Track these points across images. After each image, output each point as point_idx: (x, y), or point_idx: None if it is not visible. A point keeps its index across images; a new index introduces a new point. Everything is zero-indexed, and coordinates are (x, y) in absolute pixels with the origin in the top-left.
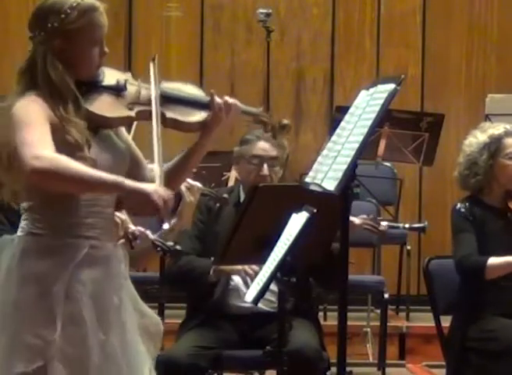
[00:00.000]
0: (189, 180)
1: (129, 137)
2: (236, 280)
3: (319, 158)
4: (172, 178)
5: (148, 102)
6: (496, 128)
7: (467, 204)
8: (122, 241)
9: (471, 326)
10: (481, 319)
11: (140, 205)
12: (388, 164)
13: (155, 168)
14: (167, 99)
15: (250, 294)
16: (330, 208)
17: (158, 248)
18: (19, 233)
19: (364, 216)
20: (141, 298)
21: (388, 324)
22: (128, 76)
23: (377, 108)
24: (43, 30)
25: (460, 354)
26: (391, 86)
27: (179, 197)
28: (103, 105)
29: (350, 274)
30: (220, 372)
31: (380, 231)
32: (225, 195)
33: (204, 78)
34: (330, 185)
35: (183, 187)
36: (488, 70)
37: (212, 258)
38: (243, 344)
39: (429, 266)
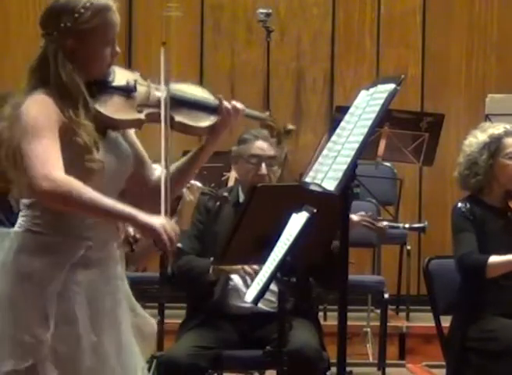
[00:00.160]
0: None
1: (135, 138)
2: (236, 279)
3: (319, 159)
4: (176, 180)
5: (158, 104)
6: (496, 128)
7: (467, 204)
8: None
9: (471, 326)
10: (481, 319)
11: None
12: (388, 164)
13: (162, 192)
14: (176, 102)
15: (250, 294)
16: (330, 208)
17: None
18: (16, 228)
19: (362, 213)
20: (141, 298)
21: (388, 324)
22: (137, 75)
23: (377, 108)
24: (55, 29)
25: (460, 354)
26: (391, 86)
27: (179, 196)
28: (113, 107)
29: (350, 274)
30: (220, 372)
31: (378, 228)
32: (225, 194)
33: (204, 78)
34: (330, 185)
35: None
36: (488, 70)
37: (211, 258)
38: (243, 344)
39: (429, 266)
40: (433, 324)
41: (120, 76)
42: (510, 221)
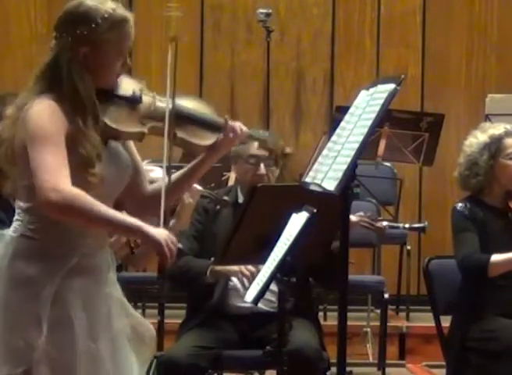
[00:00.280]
0: None
1: (134, 147)
2: (234, 280)
3: (319, 159)
4: (173, 191)
5: (162, 118)
6: (497, 128)
7: (467, 204)
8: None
9: (471, 326)
10: (481, 319)
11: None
12: (388, 164)
13: (162, 204)
14: (181, 118)
15: (250, 294)
16: (330, 208)
17: None
18: (11, 232)
19: (361, 214)
20: (141, 298)
21: (388, 324)
22: (142, 85)
23: (377, 108)
24: (70, 34)
25: (460, 354)
26: (391, 86)
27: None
28: (118, 118)
29: (350, 274)
30: (220, 372)
31: (377, 228)
32: (226, 197)
33: (204, 78)
34: (330, 185)
35: None
36: (488, 70)
37: (212, 259)
38: (243, 344)
39: (429, 266)
40: (433, 324)
41: (126, 85)
42: (510, 221)
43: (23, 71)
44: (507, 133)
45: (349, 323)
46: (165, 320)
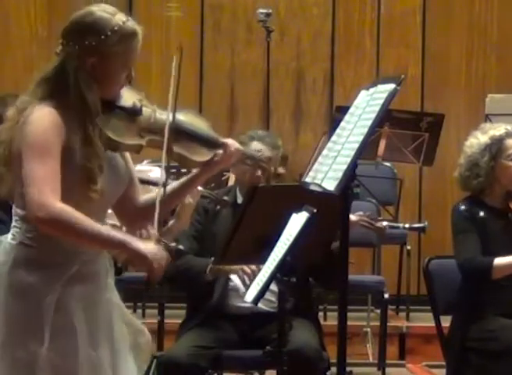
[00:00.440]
0: None
1: (129, 156)
2: (235, 279)
3: (319, 159)
4: (166, 203)
5: (160, 132)
6: (497, 129)
7: (467, 204)
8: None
9: (471, 326)
10: (481, 319)
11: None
12: (388, 164)
13: (155, 216)
14: (179, 133)
15: (250, 294)
16: (330, 208)
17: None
18: (10, 239)
19: (361, 213)
20: (141, 298)
21: (388, 324)
22: (142, 95)
23: (377, 108)
24: (77, 43)
25: (460, 354)
26: (391, 86)
27: None
28: (118, 130)
29: (350, 274)
30: (220, 372)
31: (377, 227)
32: (226, 197)
33: (204, 78)
34: (330, 185)
35: None
36: (488, 70)
37: (212, 258)
38: (243, 344)
39: (429, 266)
40: (433, 324)
41: (126, 95)
42: (510, 222)
43: (23, 71)
44: (508, 134)
45: (349, 323)
46: (165, 320)
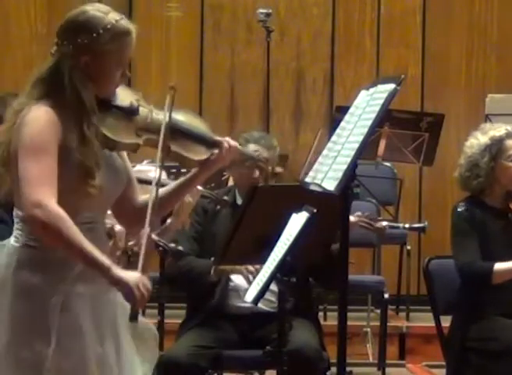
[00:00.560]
0: None
1: (126, 156)
2: (239, 279)
3: (319, 158)
4: (163, 204)
5: (157, 131)
6: (497, 130)
7: (467, 205)
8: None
9: (471, 326)
10: (481, 319)
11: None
12: (388, 164)
13: (141, 255)
14: (176, 131)
15: (250, 294)
16: (330, 208)
17: (160, 249)
18: (13, 242)
19: (359, 213)
20: None
21: (388, 324)
22: (139, 95)
23: (377, 108)
24: (71, 42)
25: (460, 354)
26: (391, 86)
27: None
28: (115, 129)
29: (350, 274)
30: (220, 372)
31: (377, 228)
32: (225, 197)
33: (204, 78)
34: (330, 185)
35: None
36: (488, 70)
37: (211, 259)
38: (243, 344)
39: (429, 266)
40: (433, 324)
41: (123, 95)
42: (510, 222)
43: (22, 71)
44: (508, 135)
45: (349, 323)
46: (165, 320)
